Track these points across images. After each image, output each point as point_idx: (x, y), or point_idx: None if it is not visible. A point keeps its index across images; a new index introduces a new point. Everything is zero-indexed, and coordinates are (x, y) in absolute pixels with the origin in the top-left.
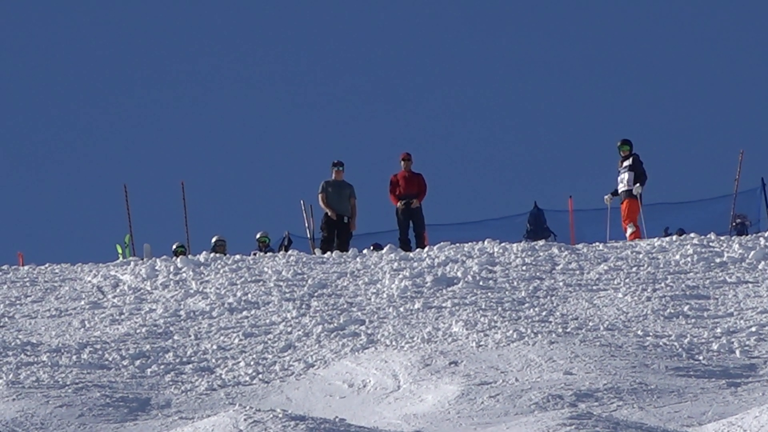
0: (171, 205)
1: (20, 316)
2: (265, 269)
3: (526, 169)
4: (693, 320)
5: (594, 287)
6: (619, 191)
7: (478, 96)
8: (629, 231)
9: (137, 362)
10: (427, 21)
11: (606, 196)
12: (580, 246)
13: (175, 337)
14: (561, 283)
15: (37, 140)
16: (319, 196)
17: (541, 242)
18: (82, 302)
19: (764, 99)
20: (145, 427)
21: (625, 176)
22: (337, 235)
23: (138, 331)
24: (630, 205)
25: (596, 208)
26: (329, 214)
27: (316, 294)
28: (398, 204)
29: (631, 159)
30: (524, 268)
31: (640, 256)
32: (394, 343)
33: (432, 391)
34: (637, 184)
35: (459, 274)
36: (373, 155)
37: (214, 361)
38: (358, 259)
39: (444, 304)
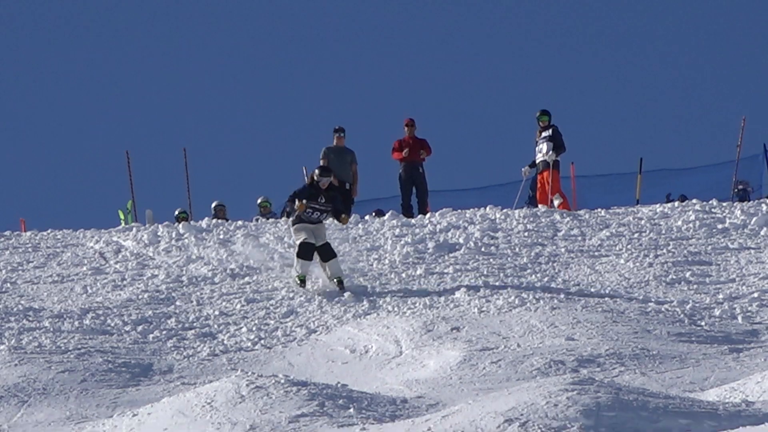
0: (173, 172)
1: (22, 281)
2: (268, 235)
3: (528, 136)
4: (695, 286)
5: (596, 253)
6: (537, 162)
7: (480, 61)
8: (556, 202)
9: (139, 328)
10: None
11: (523, 168)
12: (582, 212)
13: (177, 303)
14: (563, 249)
15: (39, 106)
16: (321, 162)
17: (543, 208)
18: (84, 268)
19: (767, 65)
20: (147, 393)
21: (543, 147)
22: None
23: (140, 296)
24: (553, 176)
25: (599, 174)
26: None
27: (318, 260)
28: (403, 153)
29: (550, 130)
30: (526, 234)
31: (642, 222)
32: (396, 308)
33: (434, 356)
34: (551, 153)
35: (461, 240)
36: (375, 120)
37: (216, 326)
38: (360, 225)
39: (446, 270)
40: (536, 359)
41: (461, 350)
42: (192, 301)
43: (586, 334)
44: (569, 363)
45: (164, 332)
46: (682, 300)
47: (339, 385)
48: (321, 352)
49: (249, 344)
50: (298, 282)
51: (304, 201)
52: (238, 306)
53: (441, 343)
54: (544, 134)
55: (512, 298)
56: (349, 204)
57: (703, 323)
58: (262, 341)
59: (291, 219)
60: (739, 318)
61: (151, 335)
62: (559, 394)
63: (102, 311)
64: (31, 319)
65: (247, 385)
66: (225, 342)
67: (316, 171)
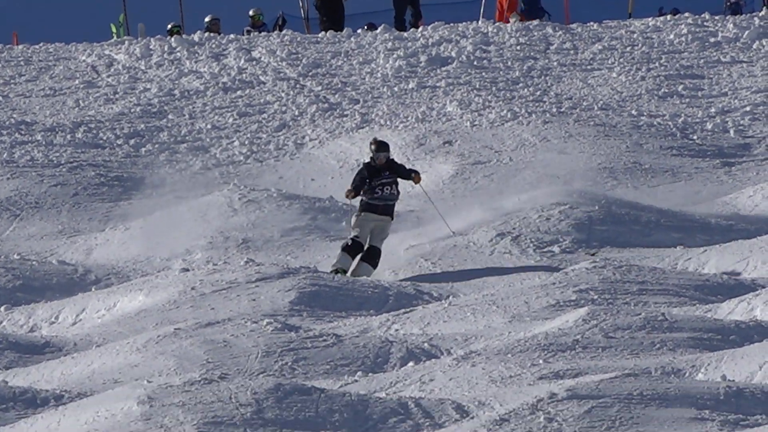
0: None
1: (14, 95)
2: (260, 48)
3: None
4: (687, 100)
5: (588, 67)
6: None
7: None
8: (512, 20)
9: (131, 141)
10: None
11: None
12: (574, 26)
13: (170, 117)
14: (555, 63)
15: None
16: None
17: (536, 22)
18: (77, 81)
19: None
20: (139, 206)
21: None
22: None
23: (132, 110)
24: None
25: None
26: None
27: (310, 74)
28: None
29: None
30: (518, 47)
31: (635, 35)
32: (388, 122)
33: (426, 170)
34: None
35: (453, 54)
36: None
37: (208, 140)
38: (352, 38)
39: (438, 84)
40: (528, 173)
41: (453, 164)
42: (184, 115)
43: (578, 148)
44: (561, 177)
45: (156, 146)
46: (675, 113)
47: (331, 198)
48: (313, 166)
49: (241, 158)
50: (334, 272)
51: (350, 188)
52: (231, 120)
53: (433, 156)
54: None
55: (504, 111)
56: (342, 14)
57: (695, 137)
58: (254, 155)
59: (360, 203)
60: (731, 132)
61: (143, 149)
62: (551, 208)
63: (94, 125)
64: (23, 132)
65: (240, 199)
66: (217, 156)
67: (372, 147)
